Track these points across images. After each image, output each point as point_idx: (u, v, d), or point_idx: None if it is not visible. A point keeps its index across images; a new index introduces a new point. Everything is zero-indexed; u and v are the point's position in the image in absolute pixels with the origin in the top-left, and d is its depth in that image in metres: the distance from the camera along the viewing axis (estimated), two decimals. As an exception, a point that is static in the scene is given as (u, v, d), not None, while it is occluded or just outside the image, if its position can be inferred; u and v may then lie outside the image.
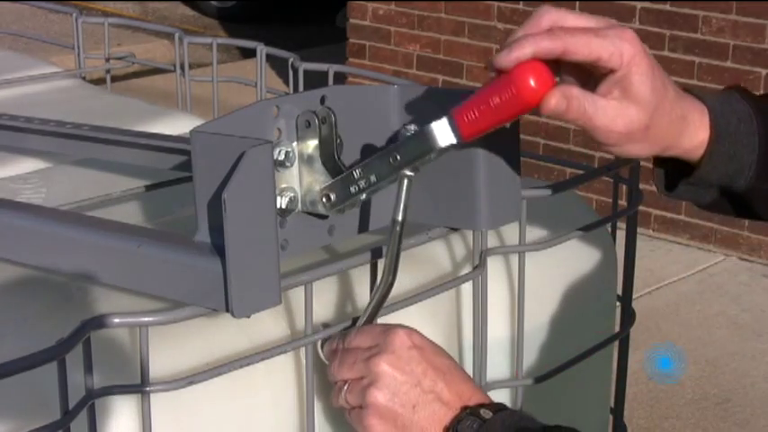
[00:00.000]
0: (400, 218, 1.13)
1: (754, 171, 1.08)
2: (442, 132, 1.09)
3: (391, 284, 1.16)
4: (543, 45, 1.01)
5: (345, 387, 1.12)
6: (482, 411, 1.07)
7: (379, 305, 1.17)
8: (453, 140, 1.09)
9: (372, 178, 1.13)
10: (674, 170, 1.14)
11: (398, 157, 1.12)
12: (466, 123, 1.07)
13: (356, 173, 1.13)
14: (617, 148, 1.06)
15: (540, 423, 1.07)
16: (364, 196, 1.15)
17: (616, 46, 1.02)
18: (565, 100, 1.02)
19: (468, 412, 1.07)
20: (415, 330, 1.13)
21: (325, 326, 1.20)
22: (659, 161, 1.14)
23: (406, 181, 1.12)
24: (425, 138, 1.10)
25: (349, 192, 1.14)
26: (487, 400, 1.10)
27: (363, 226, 1.25)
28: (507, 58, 1.02)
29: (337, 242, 1.26)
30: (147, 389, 1.07)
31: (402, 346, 1.10)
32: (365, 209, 1.24)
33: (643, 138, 1.05)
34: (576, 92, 1.03)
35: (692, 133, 1.08)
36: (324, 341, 1.19)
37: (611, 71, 1.03)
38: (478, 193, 1.21)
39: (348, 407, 1.12)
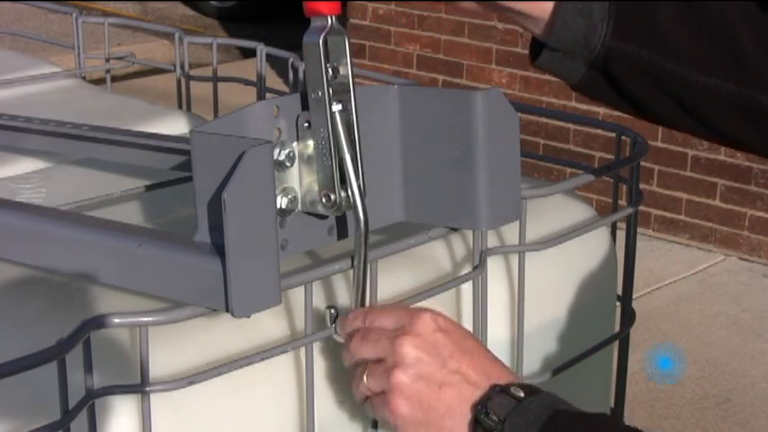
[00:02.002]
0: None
1: (607, 28, 1.03)
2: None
3: (366, 231, 1.15)
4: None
5: (366, 373, 1.11)
6: (513, 390, 1.05)
7: (363, 275, 1.16)
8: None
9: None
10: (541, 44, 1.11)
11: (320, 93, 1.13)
12: None
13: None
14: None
15: (577, 409, 1.05)
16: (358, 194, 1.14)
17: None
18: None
19: (498, 390, 1.06)
20: (441, 314, 1.12)
21: (331, 307, 1.19)
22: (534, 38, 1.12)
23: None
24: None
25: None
26: (517, 379, 1.09)
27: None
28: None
29: (337, 242, 1.26)
30: (147, 389, 1.07)
31: (427, 329, 1.09)
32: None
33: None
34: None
35: None
36: (334, 319, 1.18)
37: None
38: (478, 193, 1.21)
39: (370, 393, 1.11)
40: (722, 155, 4.53)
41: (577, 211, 1.58)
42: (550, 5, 1.05)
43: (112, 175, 1.64)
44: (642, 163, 1.59)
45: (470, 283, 1.34)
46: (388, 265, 1.27)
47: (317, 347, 1.19)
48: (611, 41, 1.04)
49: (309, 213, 1.17)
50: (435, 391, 1.07)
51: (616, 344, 1.60)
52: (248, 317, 1.07)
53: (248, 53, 4.07)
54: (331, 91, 1.13)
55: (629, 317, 1.61)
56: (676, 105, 1.08)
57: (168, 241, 1.13)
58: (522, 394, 1.05)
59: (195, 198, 1.09)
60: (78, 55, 2.30)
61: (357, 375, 1.12)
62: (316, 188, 1.16)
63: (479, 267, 1.32)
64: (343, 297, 1.28)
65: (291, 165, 1.15)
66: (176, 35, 2.22)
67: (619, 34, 1.04)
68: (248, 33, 8.14)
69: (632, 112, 1.12)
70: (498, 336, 1.41)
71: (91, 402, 1.05)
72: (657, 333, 3.91)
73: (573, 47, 1.06)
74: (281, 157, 1.14)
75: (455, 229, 1.28)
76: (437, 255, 1.40)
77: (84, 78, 2.29)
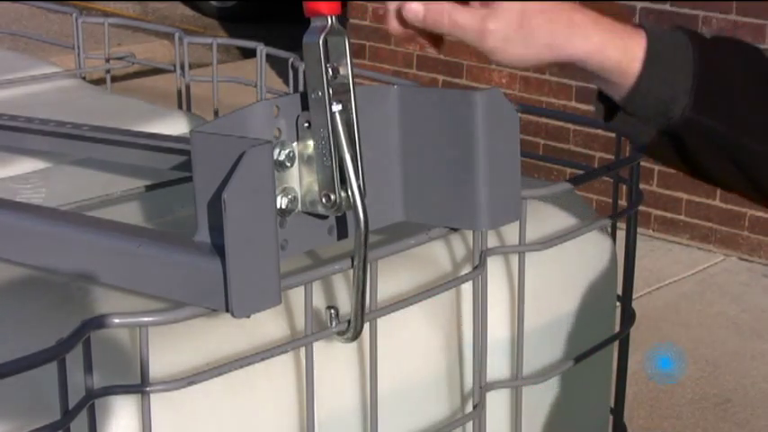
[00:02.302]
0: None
1: (689, 100, 1.05)
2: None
3: (366, 231, 1.15)
4: None
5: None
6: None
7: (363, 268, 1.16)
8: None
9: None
10: (615, 106, 1.13)
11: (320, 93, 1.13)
12: None
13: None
14: (498, 53, 1.07)
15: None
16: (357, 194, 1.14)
17: None
18: (423, 9, 1.07)
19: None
20: None
21: (331, 307, 1.19)
22: (602, 95, 1.14)
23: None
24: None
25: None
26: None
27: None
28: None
29: (337, 242, 1.26)
30: (147, 389, 1.07)
31: None
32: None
33: (521, 37, 1.06)
34: (435, 4, 1.07)
35: (584, 34, 1.06)
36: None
37: None
38: (478, 193, 1.21)
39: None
40: (722, 155, 4.52)
41: (577, 211, 1.59)
42: (636, 72, 1.07)
43: (112, 175, 1.64)
44: (642, 163, 1.59)
45: (470, 283, 1.34)
46: (388, 265, 1.27)
47: (317, 347, 1.19)
48: (691, 113, 1.06)
49: (309, 213, 1.17)
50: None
51: (616, 344, 1.60)
52: (248, 317, 1.07)
53: (248, 53, 4.07)
54: (331, 91, 1.13)
55: (629, 317, 1.61)
56: (745, 176, 1.11)
57: (168, 241, 1.13)
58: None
59: (195, 198, 1.09)
60: (78, 55, 2.30)
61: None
62: (316, 188, 1.16)
63: (479, 267, 1.32)
64: (344, 297, 1.28)
65: (291, 165, 1.15)
66: (176, 35, 2.22)
67: (699, 107, 1.06)
68: (248, 33, 8.14)
69: (689, 173, 1.15)
70: (498, 336, 1.41)
71: (91, 402, 1.05)
72: (657, 333, 3.90)
73: (651, 114, 1.08)
74: (281, 157, 1.14)
75: (455, 229, 1.28)
76: (437, 255, 1.40)
77: (84, 78, 2.29)
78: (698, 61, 1.06)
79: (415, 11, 1.07)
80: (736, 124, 1.07)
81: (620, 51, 1.07)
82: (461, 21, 1.06)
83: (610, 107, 1.12)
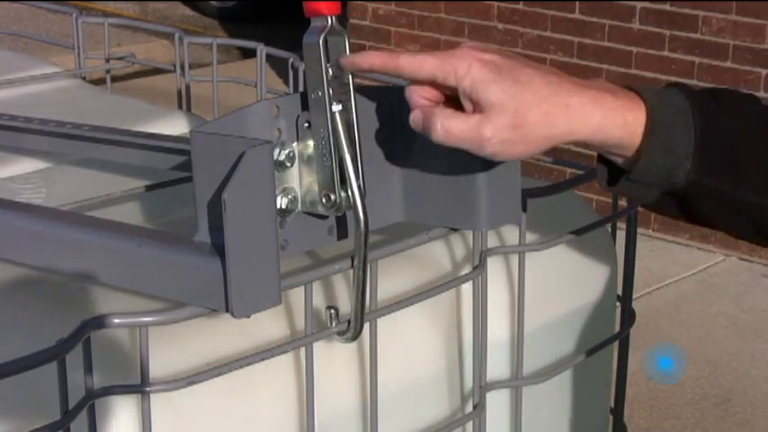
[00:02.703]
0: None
1: (692, 164, 1.06)
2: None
3: (366, 231, 1.14)
4: (378, 61, 1.09)
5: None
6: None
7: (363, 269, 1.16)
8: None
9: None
10: (617, 168, 1.13)
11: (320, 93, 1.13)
12: None
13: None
14: (499, 154, 1.07)
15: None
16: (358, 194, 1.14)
17: (449, 63, 1.06)
18: (421, 116, 1.09)
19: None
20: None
21: (331, 307, 1.19)
22: (603, 157, 1.14)
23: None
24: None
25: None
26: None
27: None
28: (346, 61, 1.11)
29: (337, 242, 1.26)
30: (147, 389, 1.07)
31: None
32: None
33: (519, 137, 1.05)
34: (431, 110, 1.08)
35: (582, 118, 1.06)
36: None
37: (458, 89, 1.07)
38: (478, 193, 1.21)
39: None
40: (722, 155, 4.53)
41: (577, 211, 1.59)
42: (637, 144, 1.08)
43: (112, 175, 1.64)
44: (642, 163, 1.59)
45: (470, 283, 1.34)
46: (388, 266, 1.27)
47: (317, 347, 1.19)
48: (694, 176, 1.07)
49: (309, 213, 1.17)
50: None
51: (616, 344, 1.60)
52: (248, 317, 1.07)
53: (248, 53, 4.07)
54: (331, 91, 1.13)
55: (629, 317, 1.61)
56: (752, 227, 1.12)
57: (168, 241, 1.13)
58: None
59: (195, 198, 1.09)
60: (78, 55, 2.29)
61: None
62: (316, 188, 1.16)
63: (479, 267, 1.32)
64: (344, 297, 1.28)
65: (291, 165, 1.15)
66: (176, 35, 2.22)
67: (702, 169, 1.07)
68: (248, 33, 8.14)
69: (695, 224, 1.16)
70: (498, 336, 1.41)
71: (91, 402, 1.05)
72: (657, 333, 3.91)
73: (655, 180, 1.09)
74: (281, 158, 1.14)
75: (455, 229, 1.28)
76: (437, 255, 1.40)
77: (84, 78, 2.29)
78: (699, 125, 1.06)
79: (412, 119, 1.10)
80: (739, 182, 1.08)
81: (620, 128, 1.07)
82: (456, 130, 1.06)
83: (611, 169, 1.13)
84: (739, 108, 1.10)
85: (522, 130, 1.05)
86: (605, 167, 1.14)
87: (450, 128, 1.06)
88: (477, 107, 1.06)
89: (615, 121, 1.07)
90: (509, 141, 1.05)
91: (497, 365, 1.41)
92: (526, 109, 1.05)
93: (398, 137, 1.24)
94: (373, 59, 1.10)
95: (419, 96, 1.10)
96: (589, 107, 1.06)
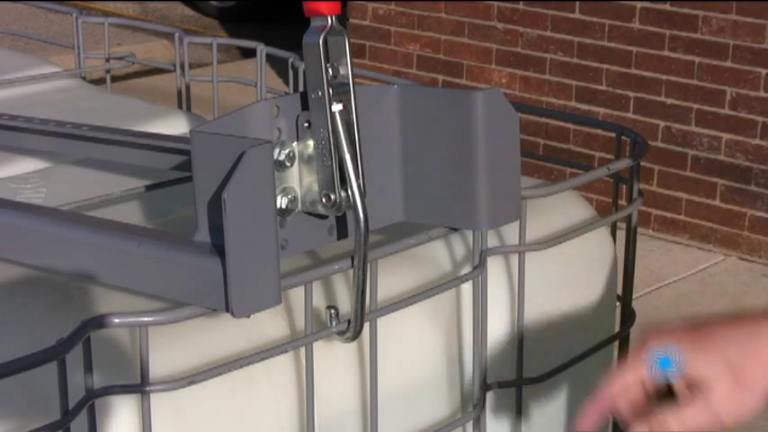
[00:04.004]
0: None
1: None
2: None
3: (366, 231, 1.15)
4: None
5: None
6: None
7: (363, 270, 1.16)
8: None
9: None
10: None
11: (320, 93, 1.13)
12: None
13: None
14: (735, 422, 1.07)
15: None
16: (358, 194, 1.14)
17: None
18: (646, 425, 1.08)
19: None
20: None
21: (331, 307, 1.19)
22: None
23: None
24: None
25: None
26: None
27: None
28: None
29: (337, 242, 1.26)
30: (147, 389, 1.07)
31: None
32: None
33: (747, 396, 1.06)
34: (655, 421, 1.08)
35: None
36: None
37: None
38: (478, 193, 1.21)
39: None
40: (722, 155, 4.53)
41: (577, 211, 1.58)
42: None
43: (112, 175, 1.64)
44: (642, 163, 1.59)
45: (470, 283, 1.34)
46: (388, 265, 1.27)
47: (317, 347, 1.19)
48: None
49: (309, 213, 1.17)
50: None
51: (616, 344, 1.60)
52: (248, 317, 1.07)
53: (248, 53, 4.07)
54: (331, 91, 1.13)
55: (629, 317, 1.61)
56: None
57: (168, 241, 1.13)
58: None
59: (195, 198, 1.09)
60: (78, 55, 2.30)
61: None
62: (316, 188, 1.16)
63: (479, 267, 1.32)
64: (344, 297, 1.28)
65: (291, 165, 1.15)
66: (176, 35, 2.22)
67: None
68: (248, 33, 8.13)
69: None
70: (498, 336, 1.41)
71: (91, 402, 1.05)
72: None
73: None
74: (281, 157, 1.14)
75: (455, 229, 1.28)
76: (437, 255, 1.40)
77: (84, 78, 2.29)
78: None
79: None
80: None
81: None
82: (692, 423, 1.06)
83: None
84: None
85: (745, 389, 1.06)
86: None
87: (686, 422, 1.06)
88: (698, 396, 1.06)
89: None
90: (738, 406, 1.06)
91: (497, 365, 1.41)
92: (739, 369, 1.05)
93: (398, 137, 1.24)
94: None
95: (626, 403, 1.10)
96: None
